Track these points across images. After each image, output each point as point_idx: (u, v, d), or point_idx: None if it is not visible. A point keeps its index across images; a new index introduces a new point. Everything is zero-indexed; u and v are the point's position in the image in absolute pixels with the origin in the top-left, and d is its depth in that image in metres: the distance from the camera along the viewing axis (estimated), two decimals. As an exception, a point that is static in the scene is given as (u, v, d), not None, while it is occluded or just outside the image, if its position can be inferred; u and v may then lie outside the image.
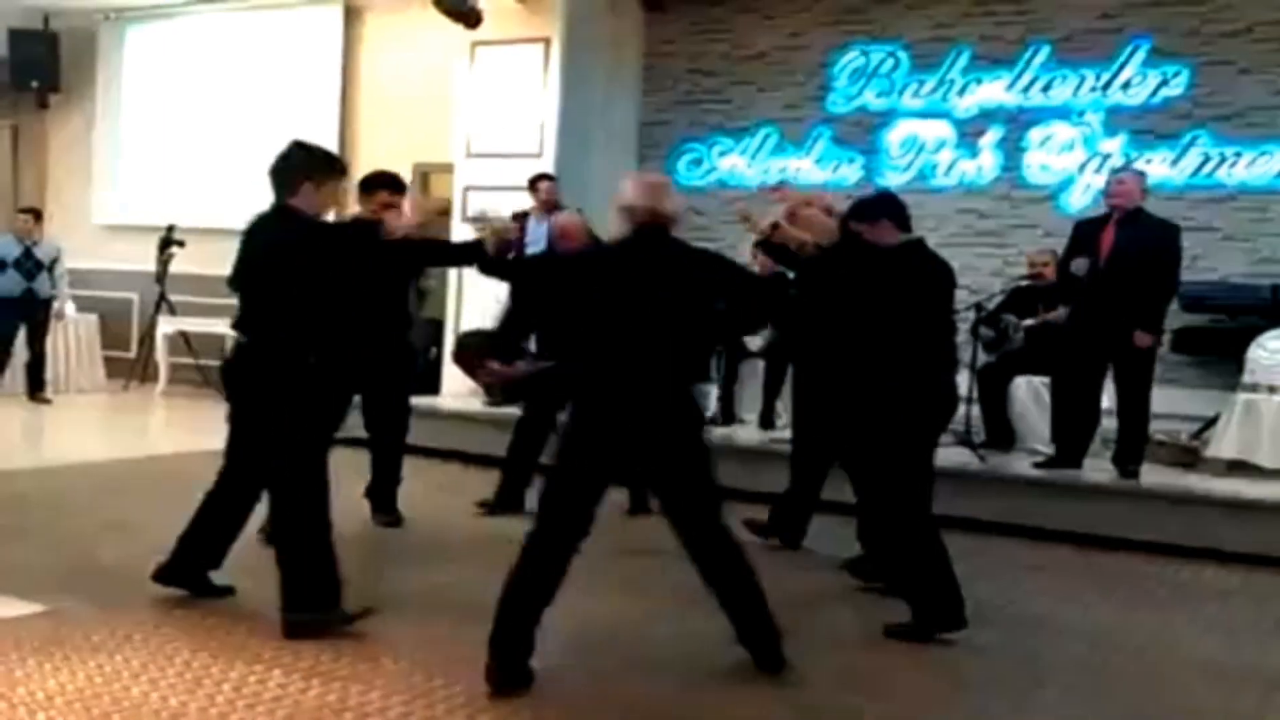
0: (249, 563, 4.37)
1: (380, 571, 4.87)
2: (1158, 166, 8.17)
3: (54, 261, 9.91)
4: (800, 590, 4.91)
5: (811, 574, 5.20)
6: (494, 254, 4.78)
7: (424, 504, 6.18)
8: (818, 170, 9.26)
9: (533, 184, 8.00)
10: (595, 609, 4.46)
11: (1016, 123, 8.67)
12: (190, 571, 4.28)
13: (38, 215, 10.18)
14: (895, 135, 9.05)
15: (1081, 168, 8.43)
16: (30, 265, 9.75)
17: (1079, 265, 6.26)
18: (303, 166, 4.16)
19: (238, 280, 4.22)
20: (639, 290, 3.60)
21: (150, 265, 10.68)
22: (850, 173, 9.14)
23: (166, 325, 10.75)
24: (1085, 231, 6.48)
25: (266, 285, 4.11)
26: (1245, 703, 3.91)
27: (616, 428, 3.59)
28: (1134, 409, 6.34)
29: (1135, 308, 6.14)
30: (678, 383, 3.67)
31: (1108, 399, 6.65)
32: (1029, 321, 7.29)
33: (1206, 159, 8.06)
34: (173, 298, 10.68)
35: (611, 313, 3.61)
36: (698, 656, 3.92)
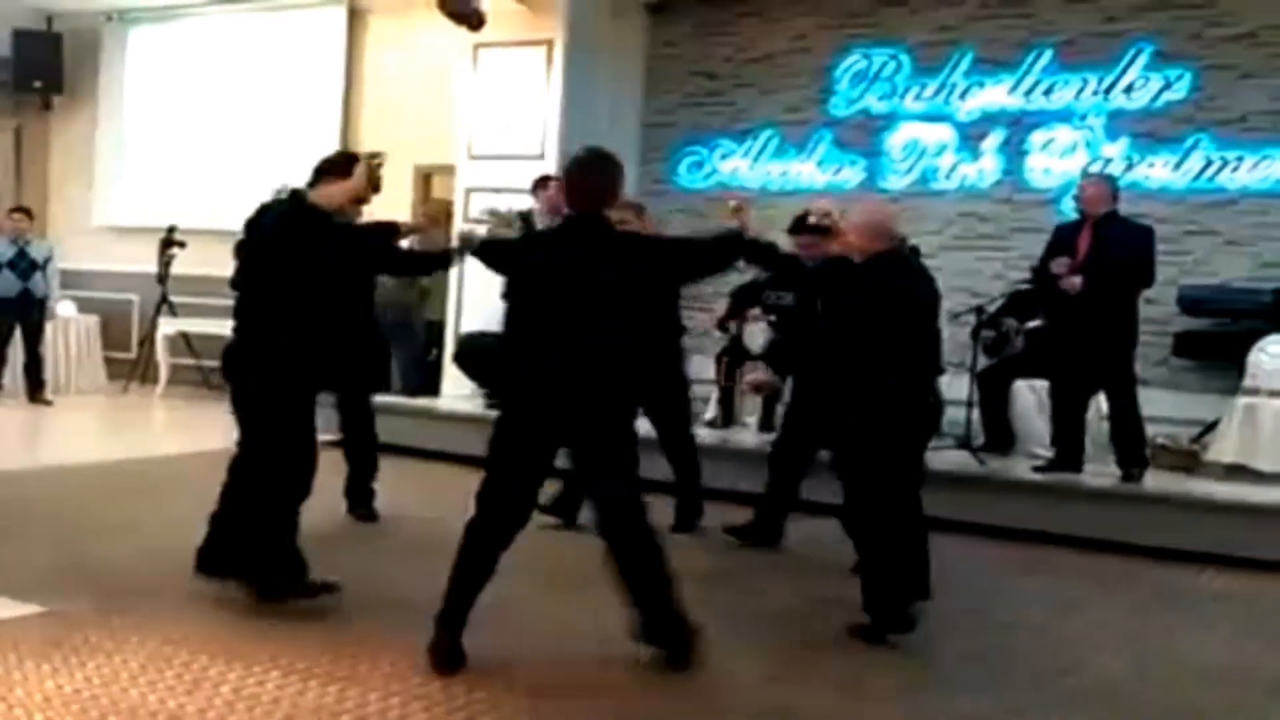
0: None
1: (378, 573, 4.87)
2: (1160, 171, 8.17)
3: (47, 261, 9.91)
4: (793, 596, 4.92)
5: (807, 579, 5.19)
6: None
7: (423, 505, 6.18)
8: (819, 173, 9.25)
9: (541, 183, 8.00)
10: (596, 610, 4.46)
11: (1018, 126, 8.66)
12: None
13: (29, 215, 10.19)
14: (897, 138, 9.04)
15: (1083, 171, 8.42)
16: (25, 265, 9.74)
17: (1060, 264, 6.27)
18: (619, 175, 3.96)
19: (532, 301, 3.81)
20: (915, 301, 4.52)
21: (151, 266, 10.69)
22: (852, 176, 9.14)
23: (167, 326, 10.75)
24: (1063, 235, 6.53)
25: (622, 305, 3.81)
26: (1247, 706, 3.91)
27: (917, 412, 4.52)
28: (1123, 410, 6.36)
29: (1112, 311, 6.16)
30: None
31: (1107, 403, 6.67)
32: (1030, 324, 7.28)
33: (1208, 163, 8.05)
34: (174, 299, 10.68)
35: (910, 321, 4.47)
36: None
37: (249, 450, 4.32)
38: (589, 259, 3.77)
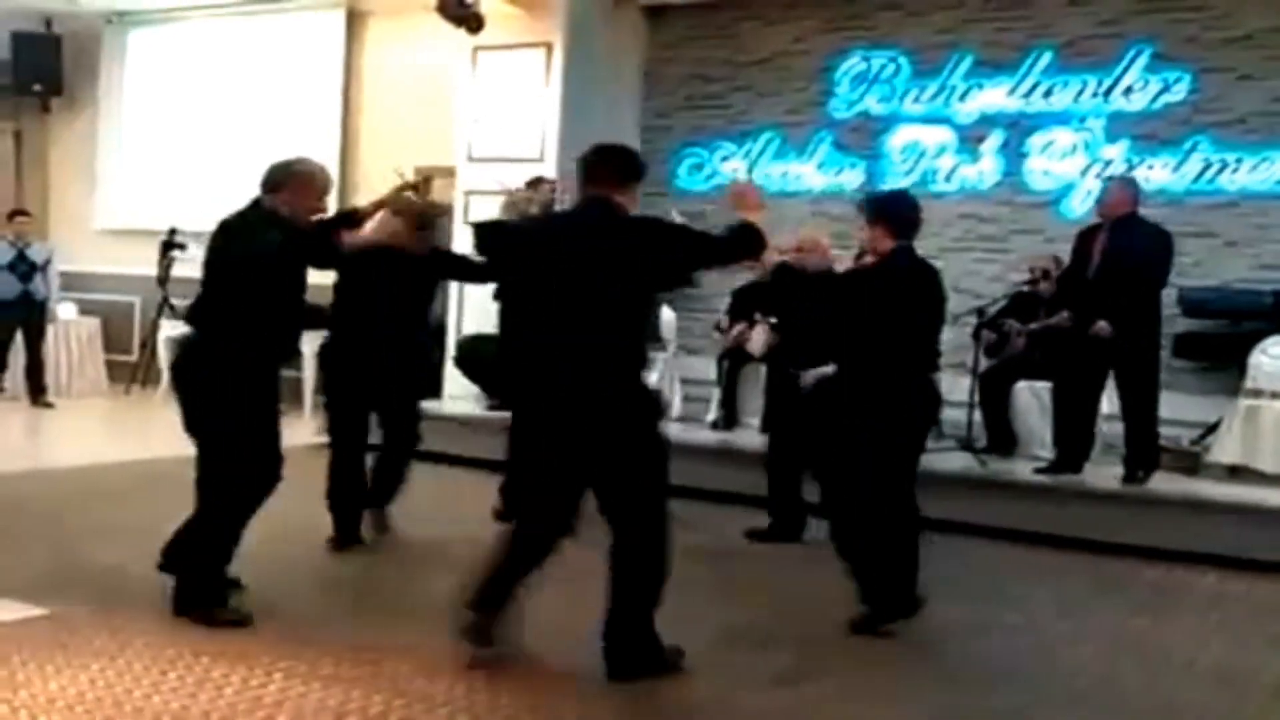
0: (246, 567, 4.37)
1: (381, 577, 4.87)
2: (1159, 172, 8.17)
3: (47, 263, 9.91)
4: (791, 597, 4.92)
5: (804, 580, 5.20)
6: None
7: (425, 509, 6.18)
8: (819, 176, 9.26)
9: (534, 184, 7.99)
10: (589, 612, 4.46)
11: (1018, 128, 8.66)
12: None
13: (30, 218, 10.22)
14: (897, 141, 9.05)
15: (1083, 173, 8.42)
16: (25, 268, 9.74)
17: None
18: None
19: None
20: None
21: (152, 269, 10.67)
22: (852, 178, 9.14)
23: (169, 329, 10.74)
24: (1085, 238, 6.52)
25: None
26: (1249, 708, 3.91)
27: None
28: (1139, 414, 6.33)
29: (1129, 313, 6.15)
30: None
31: (1110, 404, 6.67)
32: (1031, 326, 7.29)
33: (1208, 165, 8.06)
34: (175, 301, 10.67)
35: None
36: (691, 656, 3.93)
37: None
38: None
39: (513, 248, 3.98)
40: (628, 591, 3.71)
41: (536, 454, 3.77)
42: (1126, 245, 6.23)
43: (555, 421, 3.69)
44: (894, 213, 4.50)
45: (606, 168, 3.85)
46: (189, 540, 4.18)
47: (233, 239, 4.21)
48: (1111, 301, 6.16)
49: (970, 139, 8.81)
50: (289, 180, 4.33)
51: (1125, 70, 8.29)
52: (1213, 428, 7.10)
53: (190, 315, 4.33)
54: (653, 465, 3.75)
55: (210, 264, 4.26)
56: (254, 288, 4.13)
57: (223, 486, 4.12)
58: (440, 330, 9.25)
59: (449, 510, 6.26)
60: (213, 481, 4.13)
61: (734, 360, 7.84)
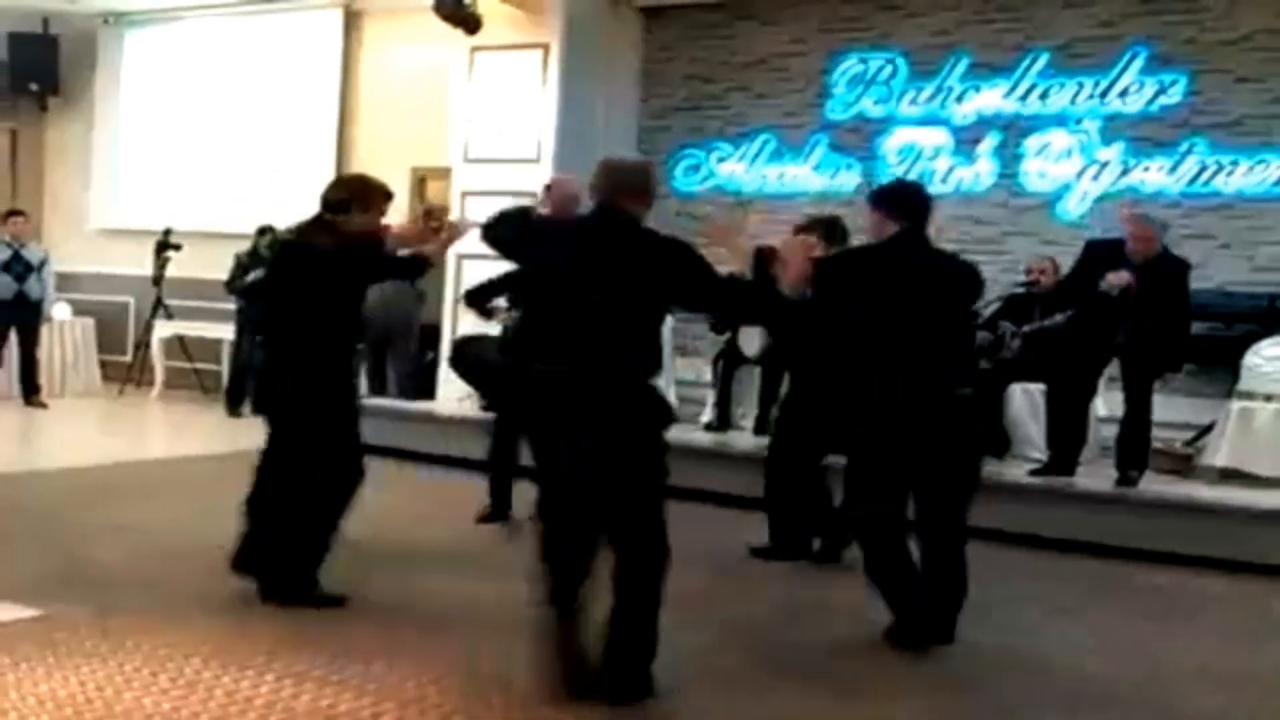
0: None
1: (374, 577, 4.86)
2: (1155, 174, 8.19)
3: (42, 263, 9.91)
4: (785, 600, 4.93)
5: (794, 582, 5.21)
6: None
7: (420, 509, 6.18)
8: (815, 177, 9.26)
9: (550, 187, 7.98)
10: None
11: (1014, 130, 8.67)
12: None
13: (26, 218, 10.21)
14: (893, 142, 9.05)
15: (1079, 175, 8.44)
16: (20, 268, 9.73)
17: (1117, 281, 6.06)
18: None
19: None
20: None
21: (147, 269, 10.67)
22: (848, 180, 9.14)
23: (163, 329, 10.74)
24: (1100, 255, 6.37)
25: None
26: (1240, 708, 3.91)
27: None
28: (1139, 415, 6.33)
29: (1151, 337, 6.15)
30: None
31: (1105, 407, 6.67)
32: (1025, 328, 7.28)
33: (1203, 167, 8.07)
34: (169, 302, 10.67)
35: None
36: (679, 659, 3.92)
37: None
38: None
39: (849, 279, 4.29)
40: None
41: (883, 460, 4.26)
42: (1158, 283, 6.12)
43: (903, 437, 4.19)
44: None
45: (913, 204, 4.34)
46: None
47: (652, 251, 3.60)
48: (1149, 337, 6.15)
49: (966, 141, 8.82)
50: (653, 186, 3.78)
51: (1122, 72, 8.30)
52: (1205, 430, 7.10)
53: (596, 341, 3.50)
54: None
55: (623, 282, 3.55)
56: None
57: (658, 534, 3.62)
58: (434, 331, 9.23)
59: (444, 510, 6.26)
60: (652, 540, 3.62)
61: (729, 362, 7.84)
